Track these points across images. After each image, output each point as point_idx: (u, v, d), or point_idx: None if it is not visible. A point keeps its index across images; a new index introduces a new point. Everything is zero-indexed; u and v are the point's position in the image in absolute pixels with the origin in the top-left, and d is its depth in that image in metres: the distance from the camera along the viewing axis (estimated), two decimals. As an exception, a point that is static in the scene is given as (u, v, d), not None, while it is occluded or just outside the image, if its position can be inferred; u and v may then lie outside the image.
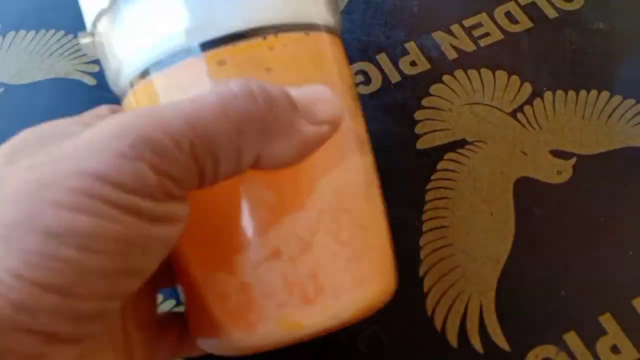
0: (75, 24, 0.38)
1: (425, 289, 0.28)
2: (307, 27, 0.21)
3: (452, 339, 0.27)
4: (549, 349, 0.26)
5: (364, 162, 0.22)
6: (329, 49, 0.22)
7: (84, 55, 0.36)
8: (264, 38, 0.20)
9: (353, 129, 0.22)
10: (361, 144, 0.22)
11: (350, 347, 0.27)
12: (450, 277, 0.28)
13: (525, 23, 0.36)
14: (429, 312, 0.28)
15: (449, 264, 0.29)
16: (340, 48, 0.23)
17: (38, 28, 0.38)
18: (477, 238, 0.29)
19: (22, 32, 0.38)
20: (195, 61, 0.19)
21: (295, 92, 0.19)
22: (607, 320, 0.27)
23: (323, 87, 0.20)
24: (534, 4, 0.37)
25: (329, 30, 0.22)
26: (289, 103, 0.18)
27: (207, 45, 0.19)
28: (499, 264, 0.29)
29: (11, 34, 0.37)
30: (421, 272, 0.29)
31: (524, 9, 0.37)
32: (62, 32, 0.37)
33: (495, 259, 0.29)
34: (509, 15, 0.37)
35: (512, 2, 0.37)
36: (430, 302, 0.28)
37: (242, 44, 0.20)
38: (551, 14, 0.37)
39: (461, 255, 0.29)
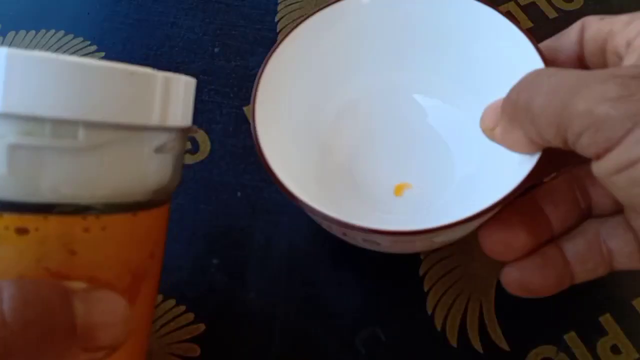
0: (75, 24, 0.38)
1: (425, 289, 0.28)
2: (138, 206, 0.19)
3: (452, 338, 0.27)
4: (549, 349, 0.26)
5: None
6: (153, 226, 0.20)
7: (84, 55, 0.36)
8: (84, 217, 0.17)
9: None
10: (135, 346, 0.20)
11: (349, 347, 0.27)
12: (450, 277, 0.28)
13: (525, 23, 0.36)
14: (429, 312, 0.28)
15: (449, 264, 0.29)
16: (165, 215, 0.21)
17: (38, 28, 0.38)
18: (477, 238, 0.29)
19: (22, 32, 0.38)
20: None
21: (81, 309, 0.16)
22: (607, 321, 0.27)
23: (117, 302, 0.18)
24: (534, 4, 0.37)
25: (162, 202, 0.21)
26: (67, 331, 0.16)
27: (9, 206, 0.17)
28: (499, 264, 0.28)
29: (11, 34, 0.37)
30: (421, 272, 0.29)
31: (524, 9, 0.37)
32: (62, 32, 0.37)
33: (495, 259, 0.28)
34: (508, 15, 0.37)
35: (512, 2, 0.37)
36: (430, 302, 0.28)
37: (55, 218, 0.17)
38: (551, 14, 0.37)
39: (461, 255, 0.29)
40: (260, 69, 0.26)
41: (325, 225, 0.25)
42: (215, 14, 0.38)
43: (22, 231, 0.17)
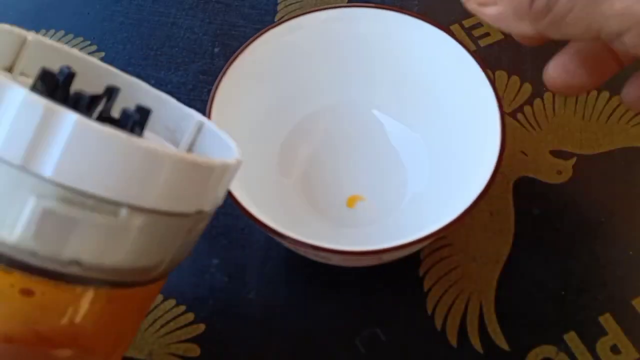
0: (75, 24, 0.38)
1: (425, 289, 0.28)
2: (147, 282, 0.19)
3: (452, 338, 0.27)
4: (549, 349, 0.26)
5: None
6: (150, 297, 0.20)
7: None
8: (95, 290, 0.17)
9: None
10: None
11: (349, 347, 0.27)
12: (450, 277, 0.28)
13: (525, 23, 0.36)
14: (429, 312, 0.28)
15: (449, 264, 0.29)
16: (162, 284, 0.21)
17: (38, 28, 0.38)
18: (477, 238, 0.29)
19: (22, 32, 0.38)
20: None
21: None
22: (607, 320, 0.27)
23: None
24: (534, 4, 0.37)
25: (166, 274, 0.20)
26: None
27: (23, 266, 0.16)
28: (499, 264, 0.28)
29: (11, 34, 0.37)
30: (421, 272, 0.29)
31: (524, 9, 0.37)
32: (62, 32, 0.37)
33: (495, 259, 0.29)
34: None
35: (512, 2, 0.37)
36: (430, 302, 0.28)
37: (65, 286, 0.16)
38: (551, 14, 0.37)
39: (461, 255, 0.29)
40: (215, 84, 0.26)
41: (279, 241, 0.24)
42: (215, 14, 0.38)
43: (27, 292, 0.16)
